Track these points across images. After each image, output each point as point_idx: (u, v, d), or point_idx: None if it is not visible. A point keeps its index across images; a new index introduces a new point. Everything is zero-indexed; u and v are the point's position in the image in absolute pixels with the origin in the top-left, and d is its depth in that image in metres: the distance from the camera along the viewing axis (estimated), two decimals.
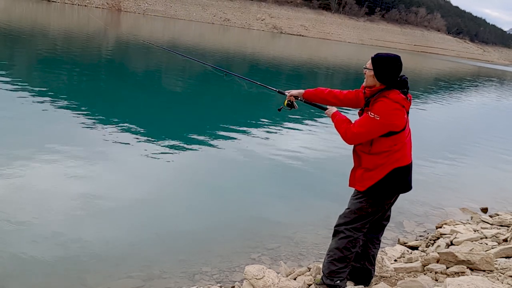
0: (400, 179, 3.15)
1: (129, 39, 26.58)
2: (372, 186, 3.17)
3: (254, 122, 10.48)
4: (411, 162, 3.23)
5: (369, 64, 3.07)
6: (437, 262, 3.73)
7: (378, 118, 2.96)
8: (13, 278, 3.57)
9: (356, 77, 25.01)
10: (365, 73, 3.12)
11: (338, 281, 3.23)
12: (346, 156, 8.52)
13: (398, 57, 3.04)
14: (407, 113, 3.08)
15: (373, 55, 3.08)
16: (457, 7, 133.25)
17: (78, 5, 52.92)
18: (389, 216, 3.43)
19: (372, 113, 2.99)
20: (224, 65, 19.81)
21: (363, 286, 3.41)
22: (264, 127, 9.75)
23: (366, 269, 3.41)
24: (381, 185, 3.15)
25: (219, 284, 3.78)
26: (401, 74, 3.05)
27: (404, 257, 4.35)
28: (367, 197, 3.20)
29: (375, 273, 3.57)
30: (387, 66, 3.00)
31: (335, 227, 3.32)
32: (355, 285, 3.41)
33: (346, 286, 3.33)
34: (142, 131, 7.97)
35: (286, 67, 26.09)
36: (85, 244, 4.14)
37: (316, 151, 8.45)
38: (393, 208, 3.42)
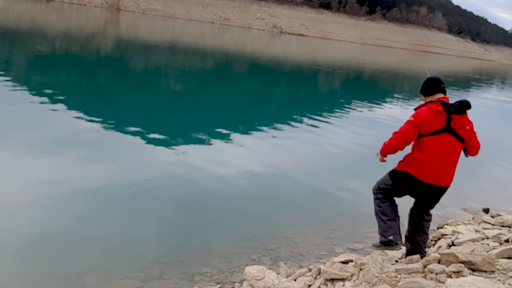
0: (410, 186, 3.62)
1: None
2: (394, 171, 3.76)
3: (255, 122, 10.46)
4: (438, 187, 3.64)
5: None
6: (438, 262, 3.70)
7: (411, 119, 3.54)
8: (13, 279, 3.55)
9: (355, 76, 24.98)
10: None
11: (391, 237, 3.59)
12: (348, 157, 8.55)
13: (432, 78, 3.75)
14: (450, 131, 3.56)
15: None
16: (458, 6, 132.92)
17: (77, 4, 52.85)
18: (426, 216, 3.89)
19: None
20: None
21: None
22: (265, 127, 9.73)
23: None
24: (395, 176, 3.68)
25: (219, 285, 3.77)
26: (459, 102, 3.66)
27: (405, 257, 4.31)
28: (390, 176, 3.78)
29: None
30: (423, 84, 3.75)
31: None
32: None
33: (400, 240, 3.63)
34: (143, 131, 7.95)
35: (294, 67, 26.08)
36: (84, 245, 4.13)
37: (317, 151, 8.43)
38: None
